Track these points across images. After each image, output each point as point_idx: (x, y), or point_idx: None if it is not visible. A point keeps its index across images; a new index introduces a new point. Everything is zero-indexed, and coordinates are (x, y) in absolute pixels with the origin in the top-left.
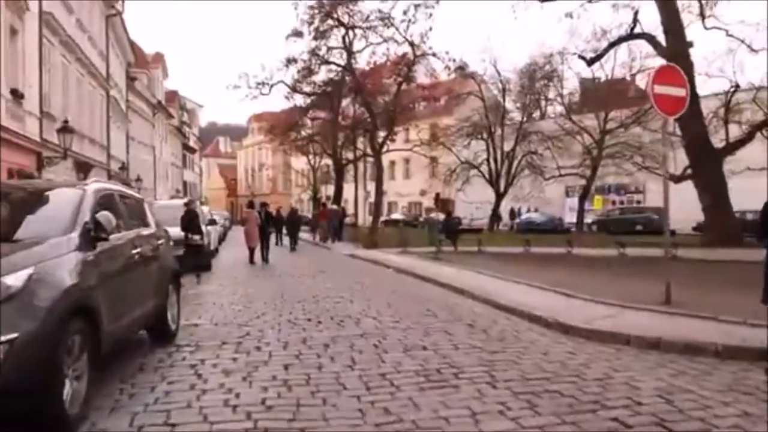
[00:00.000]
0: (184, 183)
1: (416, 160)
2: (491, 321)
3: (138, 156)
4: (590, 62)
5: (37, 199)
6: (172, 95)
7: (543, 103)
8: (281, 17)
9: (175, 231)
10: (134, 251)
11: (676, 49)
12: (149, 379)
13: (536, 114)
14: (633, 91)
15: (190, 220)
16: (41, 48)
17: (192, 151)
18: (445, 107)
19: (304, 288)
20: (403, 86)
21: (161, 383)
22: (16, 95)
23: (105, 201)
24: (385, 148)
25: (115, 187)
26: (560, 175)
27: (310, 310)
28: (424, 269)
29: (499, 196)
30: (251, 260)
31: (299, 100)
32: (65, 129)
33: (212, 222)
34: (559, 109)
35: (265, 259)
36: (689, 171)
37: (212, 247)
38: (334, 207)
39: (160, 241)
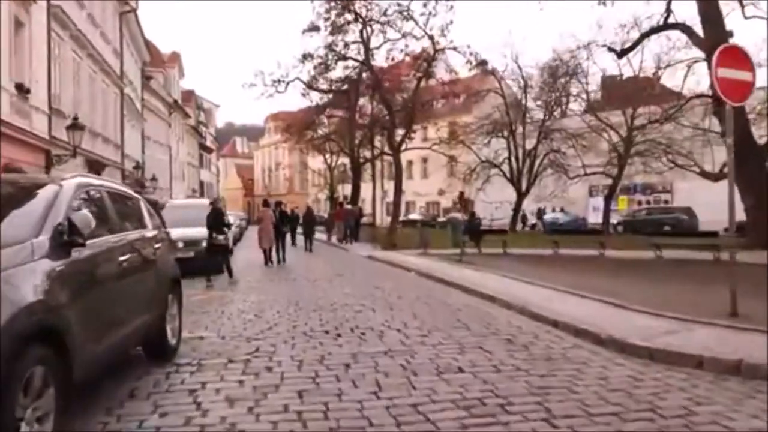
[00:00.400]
0: (201, 183)
1: (434, 160)
2: (532, 335)
3: (154, 155)
4: (620, 54)
5: (5, 197)
6: (189, 95)
7: (565, 99)
8: (298, 15)
9: (192, 231)
10: (123, 257)
11: (714, 40)
12: (139, 410)
13: (558, 111)
14: (658, 88)
15: (215, 219)
16: (50, 42)
17: (209, 150)
18: (464, 105)
19: (321, 294)
20: (423, 82)
21: (152, 415)
22: (22, 90)
23: (88, 199)
24: (403, 147)
25: (104, 182)
26: (585, 174)
27: (328, 320)
28: (449, 273)
29: (521, 196)
30: (266, 262)
31: (316, 97)
32: (75, 126)
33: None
34: (583, 105)
35: (281, 259)
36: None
37: (229, 246)
38: (350, 207)
39: (158, 245)
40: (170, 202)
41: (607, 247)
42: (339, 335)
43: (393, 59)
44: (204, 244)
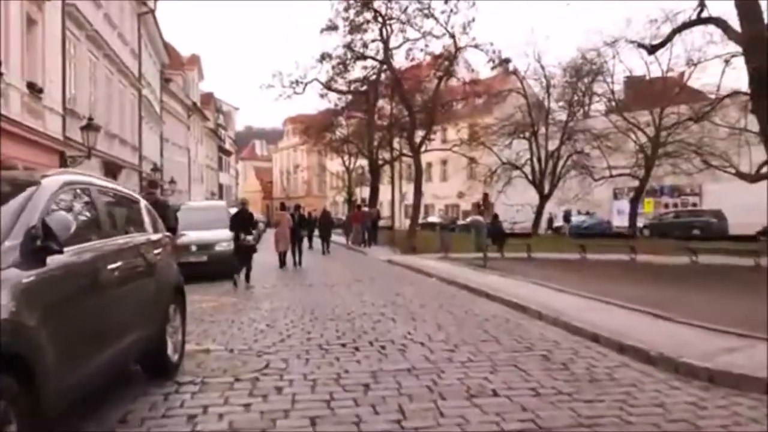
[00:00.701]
0: (220, 186)
1: (453, 162)
2: (570, 351)
3: (172, 158)
4: (651, 50)
5: None
6: (208, 97)
7: (588, 99)
8: (317, 17)
9: (207, 234)
10: (114, 265)
11: (752, 34)
12: None
13: (582, 112)
14: (684, 88)
15: (243, 221)
16: (64, 41)
17: (228, 153)
18: (485, 106)
19: (338, 301)
20: (443, 82)
21: None
22: (34, 89)
23: (74, 199)
24: (423, 148)
25: (96, 180)
26: (611, 176)
27: (345, 331)
28: (473, 279)
29: (544, 198)
30: (281, 265)
31: (334, 98)
32: (90, 127)
33: None
34: (607, 106)
35: (297, 262)
36: (766, 169)
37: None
38: (367, 209)
39: (157, 251)
40: (186, 204)
41: (638, 252)
42: (357, 349)
43: (413, 59)
44: (217, 248)
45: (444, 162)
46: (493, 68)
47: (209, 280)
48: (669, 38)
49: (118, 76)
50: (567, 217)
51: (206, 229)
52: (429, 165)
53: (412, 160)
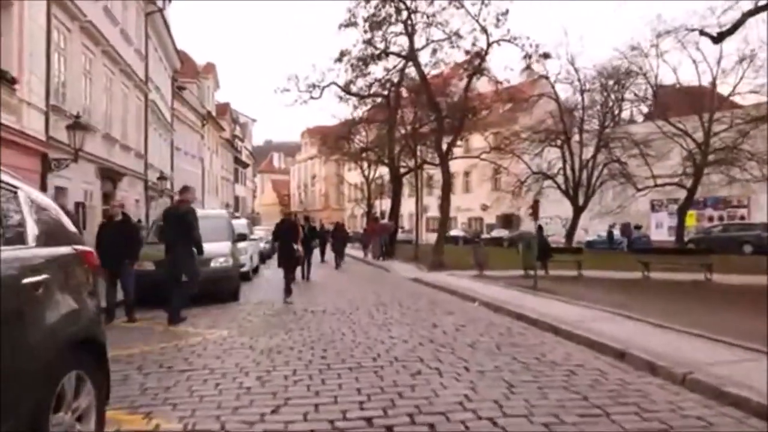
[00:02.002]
0: (236, 198)
1: (477, 173)
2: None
3: (184, 167)
4: (717, 39)
5: None
6: (224, 108)
7: (627, 104)
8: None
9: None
10: None
11: None
12: None
13: (619, 117)
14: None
15: (286, 231)
16: (50, 29)
17: (244, 165)
18: (511, 112)
19: (359, 336)
20: (474, 81)
21: None
22: (5, 78)
23: None
24: (450, 155)
25: None
26: (655, 186)
27: (370, 391)
28: (527, 305)
29: (578, 210)
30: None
31: (353, 103)
32: (77, 126)
33: (241, 237)
34: (644, 111)
35: (306, 276)
36: None
37: (247, 268)
38: (384, 221)
39: (41, 278)
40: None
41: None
42: (390, 430)
43: (436, 63)
44: (213, 264)
45: (467, 173)
46: (528, 66)
47: (203, 303)
48: (738, 24)
49: (121, 77)
50: (627, 230)
51: (206, 242)
52: (451, 176)
53: (435, 169)
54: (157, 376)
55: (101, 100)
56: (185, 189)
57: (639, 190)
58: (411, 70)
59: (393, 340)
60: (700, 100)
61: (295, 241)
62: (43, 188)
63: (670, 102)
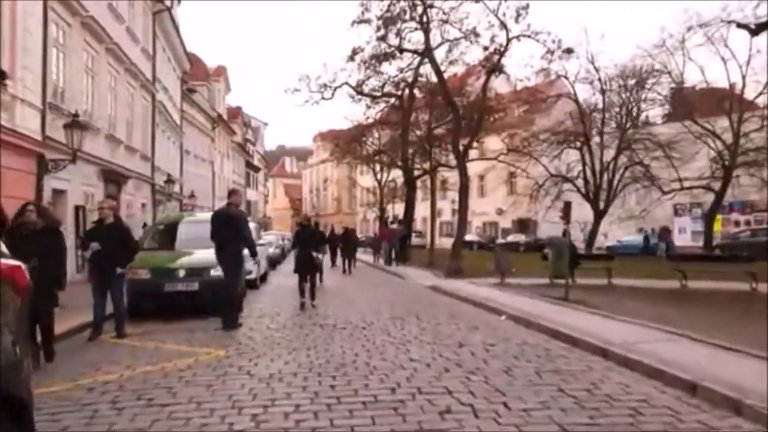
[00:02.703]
0: (248, 202)
1: (492, 177)
2: None
3: (194, 171)
4: (755, 31)
5: None
6: (236, 111)
7: (649, 104)
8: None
9: (198, 255)
10: None
11: None
12: None
13: (637, 117)
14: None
15: (309, 237)
16: (46, 23)
17: (256, 169)
18: (527, 113)
19: (374, 358)
20: (492, 78)
21: None
22: None
23: None
24: (467, 157)
25: None
26: (681, 189)
27: None
28: (563, 321)
29: (599, 215)
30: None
31: (365, 104)
32: (75, 125)
33: None
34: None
35: (320, 280)
36: None
37: (254, 275)
38: (394, 226)
39: None
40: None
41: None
42: None
43: (452, 62)
44: (213, 273)
45: (481, 177)
46: (549, 62)
47: (200, 316)
48: None
49: (126, 76)
50: (665, 235)
51: (200, 248)
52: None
53: (449, 173)
54: (132, 413)
55: (105, 99)
56: (234, 192)
57: (665, 193)
58: (426, 69)
59: (414, 363)
60: (726, 100)
61: (316, 248)
62: (39, 190)
63: (695, 102)
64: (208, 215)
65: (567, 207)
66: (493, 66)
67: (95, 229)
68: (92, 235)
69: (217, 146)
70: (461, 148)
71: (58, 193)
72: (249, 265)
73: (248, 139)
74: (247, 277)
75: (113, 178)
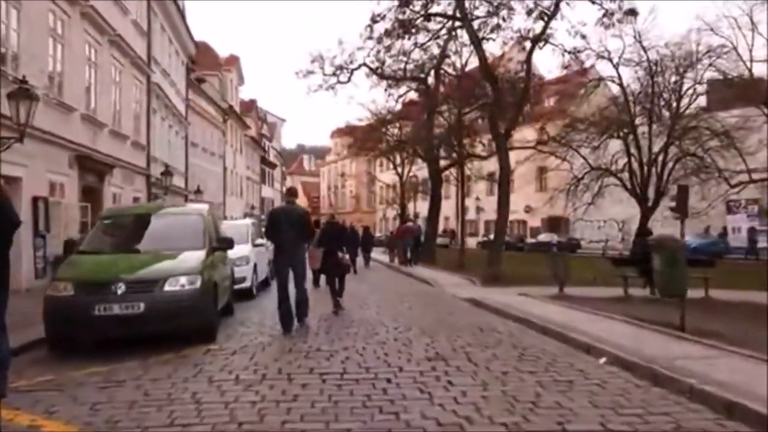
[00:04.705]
0: (262, 200)
1: (520, 172)
2: None
3: (202, 164)
4: None
5: None
6: (250, 105)
7: (701, 87)
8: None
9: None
10: None
11: None
12: None
13: (698, 102)
14: None
15: (335, 235)
16: None
17: (272, 166)
18: (567, 99)
19: None
20: (538, 48)
21: None
22: None
23: None
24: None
25: None
26: (751, 181)
27: None
28: (715, 374)
29: (647, 211)
30: (316, 284)
31: (384, 87)
32: (21, 94)
33: (224, 245)
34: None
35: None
36: None
37: (248, 283)
38: (409, 224)
39: None
40: (118, 209)
41: None
42: None
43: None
44: (167, 288)
45: (490, 175)
46: (608, 27)
47: (146, 349)
48: None
49: (111, 50)
50: (754, 236)
51: (154, 253)
52: (490, 175)
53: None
54: None
55: (79, 71)
56: (294, 191)
57: (732, 186)
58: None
59: None
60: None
61: (342, 248)
62: None
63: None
64: (200, 207)
65: (683, 192)
66: (539, 35)
67: None
68: None
69: (228, 140)
70: (502, 131)
71: (11, 181)
72: (243, 269)
73: (264, 134)
74: (239, 285)
75: (92, 167)
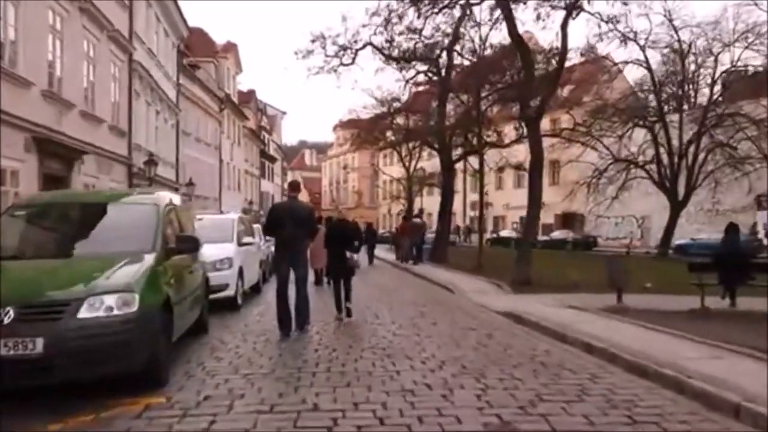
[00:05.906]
0: (261, 194)
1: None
2: None
3: (195, 155)
4: None
5: None
6: (248, 95)
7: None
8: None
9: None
10: None
11: None
12: None
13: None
14: None
15: (348, 236)
16: None
17: (272, 159)
18: (574, 94)
19: None
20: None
21: None
22: None
23: None
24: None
25: None
26: None
27: None
28: None
29: (677, 206)
30: (317, 282)
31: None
32: None
33: (189, 246)
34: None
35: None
36: None
37: (231, 291)
38: (415, 220)
39: None
40: (30, 198)
41: None
42: None
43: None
44: (87, 314)
45: (518, 166)
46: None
47: (61, 402)
48: None
49: (82, 19)
50: None
51: (78, 259)
52: (500, 170)
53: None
54: None
55: (38, 40)
56: (297, 184)
57: None
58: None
59: None
60: None
61: (350, 247)
62: None
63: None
64: (159, 196)
65: None
66: (572, 2)
67: None
68: None
69: (225, 130)
70: (532, 113)
71: None
72: (225, 273)
73: (263, 126)
74: (221, 294)
75: (56, 151)
